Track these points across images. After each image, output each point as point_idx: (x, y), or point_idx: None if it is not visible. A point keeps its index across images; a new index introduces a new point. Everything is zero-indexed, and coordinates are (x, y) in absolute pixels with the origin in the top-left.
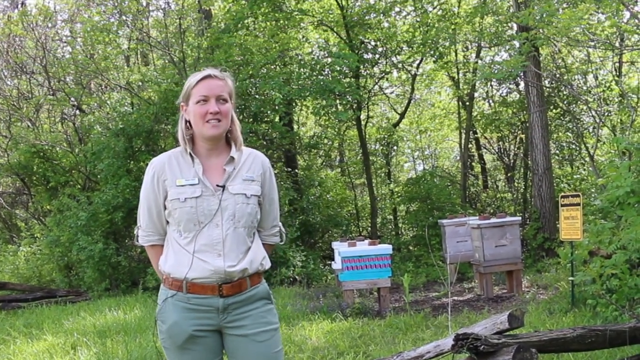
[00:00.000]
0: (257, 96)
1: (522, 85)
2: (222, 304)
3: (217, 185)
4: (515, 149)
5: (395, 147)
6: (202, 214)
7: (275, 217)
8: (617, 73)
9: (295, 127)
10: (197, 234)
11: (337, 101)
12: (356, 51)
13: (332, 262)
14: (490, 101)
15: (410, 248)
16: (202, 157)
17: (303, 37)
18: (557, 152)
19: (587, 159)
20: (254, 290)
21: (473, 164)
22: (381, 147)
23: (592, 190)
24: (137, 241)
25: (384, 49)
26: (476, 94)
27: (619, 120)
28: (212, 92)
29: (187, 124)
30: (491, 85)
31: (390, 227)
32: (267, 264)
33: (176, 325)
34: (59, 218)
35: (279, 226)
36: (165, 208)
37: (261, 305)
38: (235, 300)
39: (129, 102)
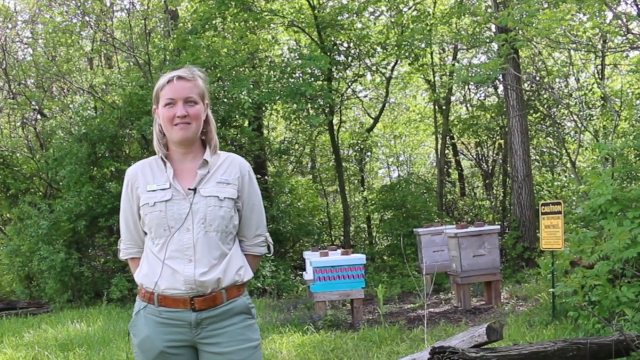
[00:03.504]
0: (225, 100)
1: (500, 88)
2: (194, 318)
3: (189, 189)
4: (494, 155)
5: (369, 153)
6: (172, 218)
7: (259, 225)
8: (600, 76)
9: (265, 132)
10: (168, 239)
11: (309, 105)
12: (328, 53)
13: (304, 273)
14: (468, 105)
15: (385, 258)
16: (176, 162)
17: (273, 38)
18: (538, 158)
19: (569, 165)
20: (230, 304)
21: (450, 170)
22: (354, 153)
23: (574, 198)
24: (119, 255)
25: (357, 50)
26: (453, 98)
27: (601, 125)
28: (179, 95)
29: (161, 127)
30: (469, 89)
31: (364, 236)
32: (247, 275)
33: (148, 339)
34: (19, 227)
35: (264, 236)
36: (140, 218)
37: (239, 320)
38: (209, 314)
39: (92, 106)
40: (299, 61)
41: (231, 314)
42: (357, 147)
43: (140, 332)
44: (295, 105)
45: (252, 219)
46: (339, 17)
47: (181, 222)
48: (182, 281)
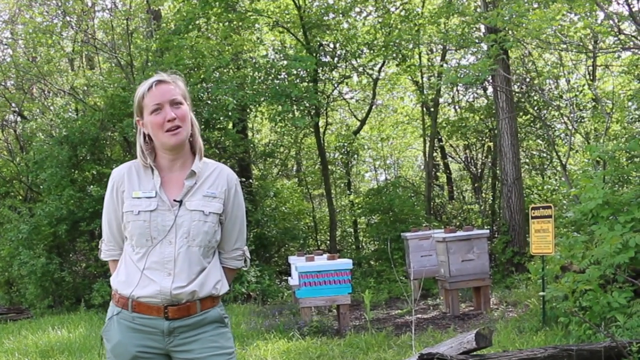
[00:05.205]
0: (209, 102)
1: (490, 90)
2: (167, 326)
3: (175, 200)
4: (483, 158)
5: (355, 156)
6: (155, 229)
7: (239, 239)
8: (591, 77)
9: (250, 134)
10: (150, 250)
11: (294, 107)
12: (314, 54)
13: (289, 278)
14: (457, 107)
15: (372, 263)
16: (165, 170)
17: (258, 39)
18: (527, 161)
19: (559, 168)
20: (204, 314)
21: (438, 173)
22: (341, 156)
23: (565, 202)
24: (100, 255)
25: (344, 51)
26: (441, 100)
27: (592, 127)
28: (164, 98)
29: (146, 137)
30: (457, 90)
31: (351, 240)
32: (223, 289)
33: (120, 345)
34: None
35: (242, 250)
36: (123, 221)
37: (212, 329)
38: (182, 323)
39: (74, 108)
40: (284, 62)
41: (204, 323)
42: (343, 150)
43: (113, 337)
44: (280, 107)
45: (233, 232)
46: (325, 17)
47: (164, 234)
48: (157, 291)
